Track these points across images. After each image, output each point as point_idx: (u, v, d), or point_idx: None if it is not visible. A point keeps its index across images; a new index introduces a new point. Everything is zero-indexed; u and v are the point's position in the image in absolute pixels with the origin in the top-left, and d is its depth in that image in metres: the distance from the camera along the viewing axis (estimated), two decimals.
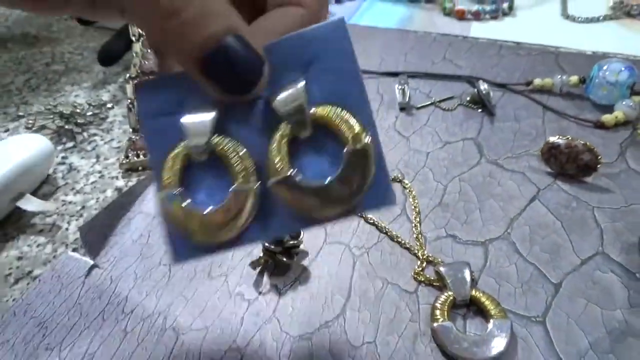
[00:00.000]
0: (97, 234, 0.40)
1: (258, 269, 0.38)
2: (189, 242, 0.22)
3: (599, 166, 0.41)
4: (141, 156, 0.48)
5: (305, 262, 0.38)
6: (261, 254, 0.38)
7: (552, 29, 0.65)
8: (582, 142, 0.41)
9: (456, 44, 0.64)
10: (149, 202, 0.45)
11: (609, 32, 0.63)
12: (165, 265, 0.39)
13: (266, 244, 0.37)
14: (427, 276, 0.36)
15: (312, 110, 0.22)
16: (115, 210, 0.42)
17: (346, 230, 0.40)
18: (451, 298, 0.34)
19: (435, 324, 0.32)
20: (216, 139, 0.22)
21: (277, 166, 0.22)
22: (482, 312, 0.33)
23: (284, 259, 0.37)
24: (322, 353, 0.32)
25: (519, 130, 0.49)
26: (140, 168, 0.48)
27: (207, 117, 0.22)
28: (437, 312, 0.33)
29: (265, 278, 0.37)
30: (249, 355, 0.32)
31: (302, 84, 0.22)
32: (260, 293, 0.36)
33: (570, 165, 0.42)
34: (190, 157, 0.22)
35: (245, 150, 0.22)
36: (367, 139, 0.21)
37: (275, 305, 0.36)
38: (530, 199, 0.42)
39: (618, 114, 0.47)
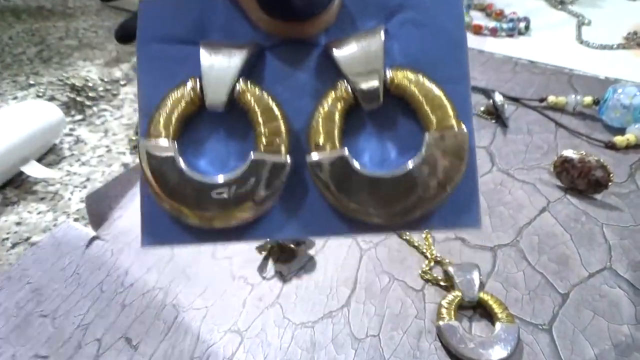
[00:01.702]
0: (102, 205, 0.40)
1: (263, 254, 0.37)
2: (172, 220, 0.16)
3: (610, 184, 0.41)
4: None
5: (311, 251, 0.38)
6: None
7: (566, 51, 0.65)
8: (596, 159, 0.42)
9: (471, 56, 0.65)
10: None
11: (622, 60, 0.64)
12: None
13: None
14: (435, 275, 0.36)
15: (389, 74, 0.16)
16: (122, 183, 0.42)
17: None
18: (458, 298, 0.33)
19: (441, 323, 0.32)
20: (242, 85, 0.16)
21: (324, 139, 0.16)
22: (488, 315, 0.33)
23: (291, 246, 0.36)
24: (325, 342, 0.31)
25: (531, 143, 0.49)
26: None
27: (235, 57, 0.15)
28: (444, 310, 0.32)
29: (270, 263, 0.37)
30: (249, 339, 0.32)
31: (381, 34, 0.15)
32: (264, 278, 0.36)
33: (581, 181, 0.42)
34: (199, 103, 0.16)
35: (280, 108, 0.16)
36: (462, 128, 0.15)
37: (279, 291, 0.35)
38: (540, 209, 0.42)
39: (630, 136, 0.48)
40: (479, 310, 0.34)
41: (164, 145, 0.16)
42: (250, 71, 0.16)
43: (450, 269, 0.35)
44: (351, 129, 0.16)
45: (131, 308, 0.33)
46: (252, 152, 0.16)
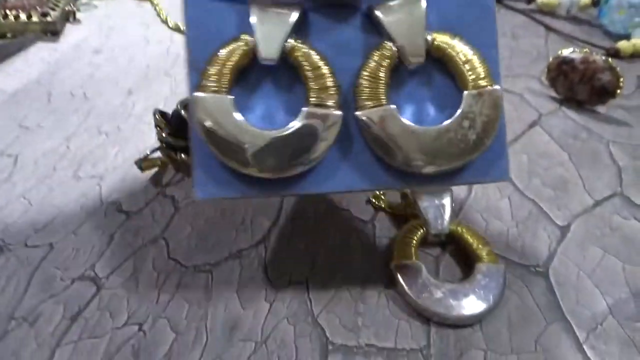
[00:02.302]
0: None
1: (150, 172, 0.26)
2: (225, 171, 0.17)
3: (618, 91, 0.32)
4: (11, 17, 0.34)
5: None
6: (154, 148, 0.26)
7: None
8: (603, 58, 0.32)
9: None
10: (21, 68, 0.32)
11: None
12: (10, 157, 0.26)
13: (164, 135, 0.25)
14: (389, 202, 0.26)
15: (430, 36, 0.17)
16: None
17: None
18: (422, 231, 0.23)
19: (396, 264, 0.22)
20: (293, 42, 0.17)
21: (372, 95, 0.17)
22: (463, 254, 0.23)
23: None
24: (226, 291, 0.21)
25: (517, 48, 0.39)
26: (8, 35, 0.35)
27: (286, 15, 0.17)
28: (401, 247, 0.23)
29: (159, 185, 0.26)
30: (109, 289, 0.21)
31: (423, 1, 0.17)
32: (147, 204, 0.25)
33: (582, 87, 0.32)
34: (251, 58, 0.17)
35: (328, 65, 0.17)
36: (496, 86, 0.17)
37: (166, 222, 0.24)
38: (529, 124, 0.32)
39: (637, 41, 0.38)
40: (450, 247, 0.24)
41: (219, 97, 0.16)
42: (302, 34, 0.17)
43: (412, 192, 0.25)
44: (393, 88, 0.18)
45: None
46: (304, 108, 0.17)
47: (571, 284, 0.22)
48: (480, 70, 0.17)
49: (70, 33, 0.36)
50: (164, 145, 0.25)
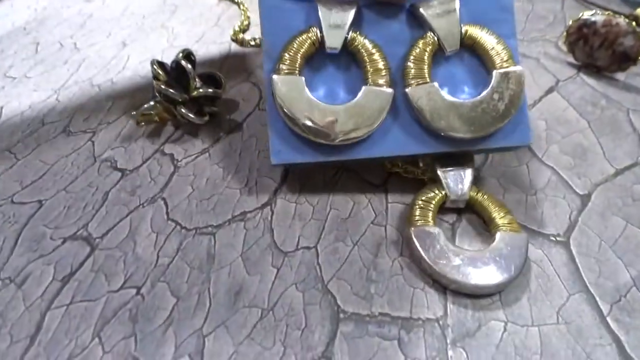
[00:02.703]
0: None
1: (146, 127, 0.24)
2: (297, 140, 0.20)
3: None
4: None
5: (223, 127, 0.25)
6: (152, 103, 0.24)
7: None
8: (626, 21, 0.30)
9: None
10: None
11: None
12: None
13: (163, 87, 0.23)
14: (404, 166, 0.24)
15: (463, 28, 0.20)
16: None
17: None
18: (440, 196, 0.22)
19: (413, 229, 0.21)
20: (352, 33, 0.20)
21: (419, 75, 0.20)
22: (481, 222, 0.22)
23: (191, 117, 0.23)
24: (230, 257, 0.20)
25: (532, 12, 0.37)
26: None
27: (347, 11, 0.20)
28: (418, 211, 0.21)
29: (159, 142, 0.24)
30: (104, 249, 0.19)
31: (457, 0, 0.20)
32: (144, 162, 0.23)
33: (603, 53, 0.31)
34: (318, 47, 0.20)
35: (381, 52, 0.20)
36: (519, 67, 0.20)
37: (165, 181, 0.22)
38: (546, 90, 0.30)
39: None
40: (467, 215, 0.23)
41: (293, 78, 0.19)
42: (357, 26, 0.21)
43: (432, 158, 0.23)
44: (433, 69, 0.21)
45: None
46: (364, 86, 0.20)
47: (593, 254, 0.21)
48: (504, 55, 0.20)
49: None
50: (162, 98, 0.23)
